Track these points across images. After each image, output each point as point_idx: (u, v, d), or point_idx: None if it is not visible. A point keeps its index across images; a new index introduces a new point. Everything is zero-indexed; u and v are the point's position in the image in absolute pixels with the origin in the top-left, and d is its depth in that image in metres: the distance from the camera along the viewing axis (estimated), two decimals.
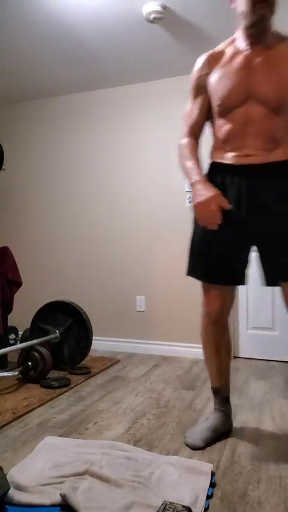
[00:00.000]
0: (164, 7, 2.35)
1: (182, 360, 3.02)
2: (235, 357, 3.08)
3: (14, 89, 3.49)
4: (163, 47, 2.79)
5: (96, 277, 3.48)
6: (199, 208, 1.49)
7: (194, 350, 3.05)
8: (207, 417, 1.78)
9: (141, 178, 3.35)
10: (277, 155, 1.51)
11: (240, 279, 1.61)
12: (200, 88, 1.61)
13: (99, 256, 3.47)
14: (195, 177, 1.53)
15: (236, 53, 1.53)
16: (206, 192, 1.48)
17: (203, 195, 1.48)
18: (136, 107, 3.36)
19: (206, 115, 1.65)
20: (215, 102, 1.56)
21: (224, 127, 1.56)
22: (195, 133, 1.66)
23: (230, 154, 1.56)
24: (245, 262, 1.59)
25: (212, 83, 1.56)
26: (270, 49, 1.48)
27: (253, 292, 3.05)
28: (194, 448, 1.62)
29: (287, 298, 1.54)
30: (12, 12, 2.39)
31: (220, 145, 1.60)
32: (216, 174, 1.60)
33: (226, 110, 1.53)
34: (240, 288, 3.09)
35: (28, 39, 2.69)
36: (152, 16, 2.38)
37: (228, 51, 1.56)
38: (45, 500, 1.25)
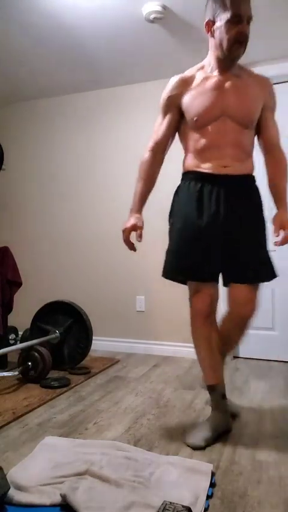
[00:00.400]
0: (164, 7, 2.35)
1: (182, 360, 3.02)
2: (235, 357, 3.09)
3: (12, 89, 3.49)
4: (163, 47, 2.79)
5: (96, 277, 3.48)
6: (123, 233, 1.80)
7: (194, 350, 3.04)
8: (208, 417, 1.78)
9: None
10: (246, 168, 1.75)
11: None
12: (170, 107, 1.77)
13: (99, 256, 3.47)
14: (132, 205, 1.84)
15: (207, 77, 1.73)
16: (128, 221, 1.80)
17: (126, 223, 1.79)
18: (136, 108, 3.36)
19: (173, 132, 1.83)
20: (192, 117, 1.71)
21: (200, 140, 1.72)
22: (159, 148, 1.83)
23: (208, 164, 1.72)
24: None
25: (187, 101, 1.72)
26: (237, 77, 1.73)
27: None
28: (195, 448, 1.62)
29: (234, 297, 1.74)
30: (10, 12, 2.39)
31: (196, 155, 1.75)
32: (195, 181, 1.75)
33: (203, 124, 1.70)
34: None
35: (27, 40, 2.69)
36: (152, 16, 2.38)
37: (199, 76, 1.75)
38: (45, 500, 1.25)
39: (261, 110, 1.75)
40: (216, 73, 1.72)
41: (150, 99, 3.31)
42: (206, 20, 1.68)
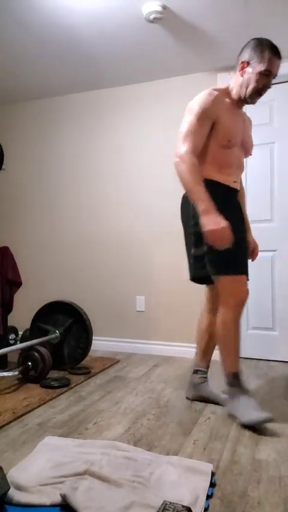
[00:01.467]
0: (164, 7, 2.35)
1: (182, 360, 3.02)
2: None
3: (13, 89, 3.49)
4: (163, 47, 2.79)
5: (96, 277, 3.48)
6: (217, 233, 1.76)
7: (194, 350, 3.04)
8: (241, 400, 1.87)
9: (141, 179, 3.35)
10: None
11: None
12: (208, 117, 1.88)
13: (99, 256, 3.48)
14: (208, 205, 1.80)
15: (232, 106, 1.98)
16: (221, 220, 1.77)
17: (218, 222, 1.76)
18: (136, 108, 3.36)
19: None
20: (227, 137, 1.92)
21: (225, 157, 1.95)
22: (197, 152, 1.89)
23: (227, 178, 1.98)
24: None
25: (226, 122, 1.91)
26: (243, 114, 2.08)
27: (253, 293, 3.05)
28: (270, 420, 1.75)
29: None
30: (11, 12, 2.39)
31: (218, 169, 1.96)
32: (220, 191, 1.95)
33: (231, 146, 1.94)
34: None
35: (27, 40, 2.70)
36: (152, 16, 2.38)
37: (227, 100, 1.96)
38: (45, 500, 1.25)
39: None
40: (235, 104, 1.99)
41: (150, 99, 3.32)
42: (242, 60, 1.91)
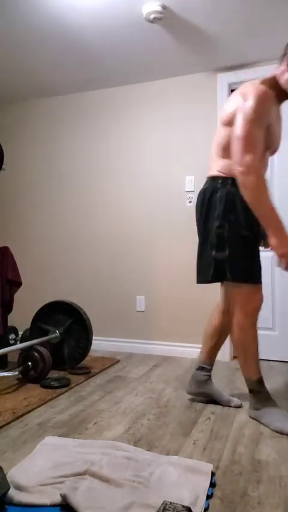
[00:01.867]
0: (164, 7, 2.35)
1: (182, 360, 3.02)
2: (235, 357, 3.09)
3: (13, 89, 3.49)
4: (163, 47, 2.79)
5: (97, 277, 3.48)
6: None
7: (194, 350, 3.05)
8: (269, 410, 1.85)
9: (141, 178, 3.35)
10: None
11: None
12: (264, 124, 1.75)
13: (99, 256, 3.48)
14: (280, 225, 1.71)
15: (277, 105, 1.83)
16: None
17: None
18: (136, 108, 3.36)
19: None
20: (268, 144, 1.81)
21: (263, 160, 1.83)
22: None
23: None
24: None
25: (273, 128, 1.80)
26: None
27: None
28: None
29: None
30: (11, 12, 2.39)
31: None
32: None
33: (265, 151, 1.83)
34: None
35: (28, 40, 2.70)
36: (152, 16, 2.38)
37: (275, 100, 1.80)
38: (45, 500, 1.25)
39: None
40: (277, 99, 1.82)
41: (149, 99, 3.32)
42: None
